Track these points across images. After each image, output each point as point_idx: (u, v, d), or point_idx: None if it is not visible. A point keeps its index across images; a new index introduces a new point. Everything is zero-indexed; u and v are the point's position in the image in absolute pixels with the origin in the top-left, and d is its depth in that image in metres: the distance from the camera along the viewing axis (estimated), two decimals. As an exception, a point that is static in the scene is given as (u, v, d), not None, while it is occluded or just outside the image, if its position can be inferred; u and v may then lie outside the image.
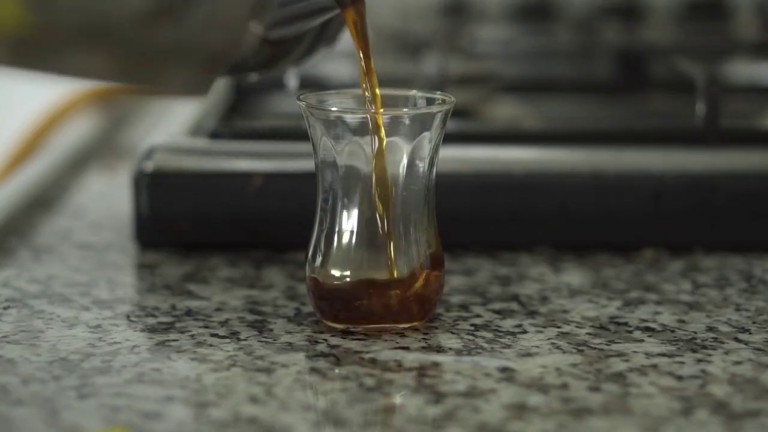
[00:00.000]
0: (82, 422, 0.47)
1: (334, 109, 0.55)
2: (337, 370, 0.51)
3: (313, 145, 0.56)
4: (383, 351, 0.53)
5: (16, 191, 0.79)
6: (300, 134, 0.58)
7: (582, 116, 0.84)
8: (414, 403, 0.48)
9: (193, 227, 0.67)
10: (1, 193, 0.78)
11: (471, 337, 0.55)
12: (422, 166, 0.55)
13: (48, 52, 0.44)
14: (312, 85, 0.78)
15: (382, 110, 0.55)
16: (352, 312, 0.55)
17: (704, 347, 0.54)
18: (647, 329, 0.56)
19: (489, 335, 0.55)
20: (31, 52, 0.44)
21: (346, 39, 0.56)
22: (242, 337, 0.55)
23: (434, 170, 0.56)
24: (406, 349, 0.54)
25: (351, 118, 0.54)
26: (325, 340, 0.55)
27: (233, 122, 0.74)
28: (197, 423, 0.47)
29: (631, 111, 0.86)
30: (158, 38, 0.44)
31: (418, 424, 0.47)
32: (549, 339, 0.55)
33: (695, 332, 0.56)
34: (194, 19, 0.44)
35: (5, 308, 0.59)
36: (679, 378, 0.51)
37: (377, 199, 0.55)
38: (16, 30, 0.43)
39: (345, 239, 0.55)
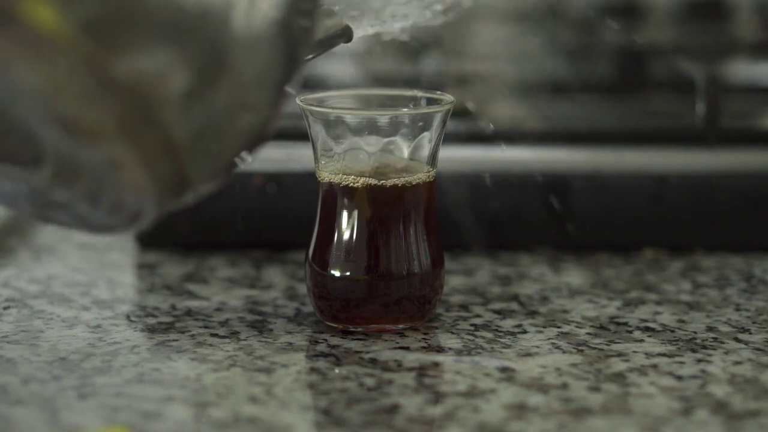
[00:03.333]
0: (82, 422, 0.47)
1: (334, 109, 0.55)
2: (337, 370, 0.51)
3: (313, 145, 0.56)
4: (383, 351, 0.53)
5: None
6: (300, 134, 0.58)
7: (582, 116, 0.84)
8: (414, 403, 0.48)
9: (193, 227, 0.67)
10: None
11: (471, 337, 0.55)
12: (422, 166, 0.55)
13: None
14: (312, 85, 0.78)
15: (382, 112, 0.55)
16: (352, 312, 0.55)
17: (704, 347, 0.54)
18: (647, 329, 0.56)
19: (489, 335, 0.55)
20: None
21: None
22: (242, 337, 0.55)
23: (434, 170, 0.56)
24: (406, 349, 0.54)
25: (351, 118, 0.54)
26: (325, 340, 0.55)
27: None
28: (197, 423, 0.47)
29: (631, 111, 0.86)
30: (189, 123, 0.43)
31: (418, 424, 0.47)
32: (549, 339, 0.55)
33: (695, 332, 0.56)
34: (221, 103, 0.44)
35: (5, 308, 0.59)
36: (679, 378, 0.51)
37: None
38: None
39: (345, 239, 0.55)
